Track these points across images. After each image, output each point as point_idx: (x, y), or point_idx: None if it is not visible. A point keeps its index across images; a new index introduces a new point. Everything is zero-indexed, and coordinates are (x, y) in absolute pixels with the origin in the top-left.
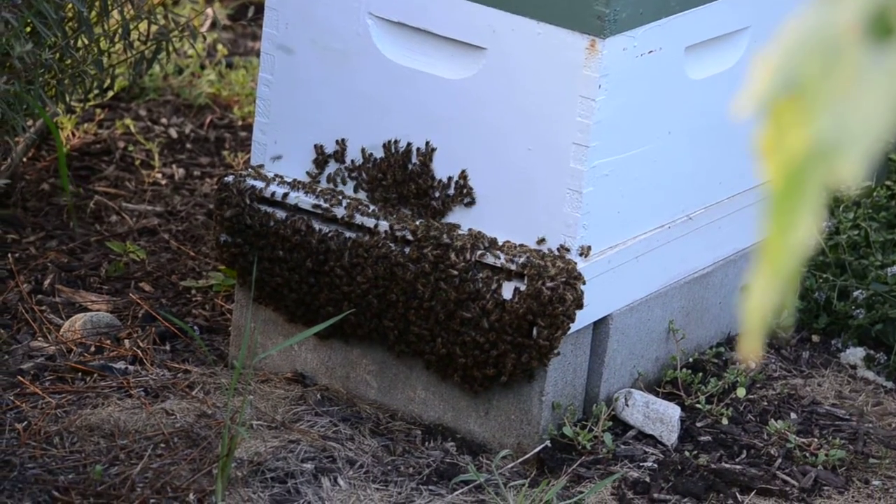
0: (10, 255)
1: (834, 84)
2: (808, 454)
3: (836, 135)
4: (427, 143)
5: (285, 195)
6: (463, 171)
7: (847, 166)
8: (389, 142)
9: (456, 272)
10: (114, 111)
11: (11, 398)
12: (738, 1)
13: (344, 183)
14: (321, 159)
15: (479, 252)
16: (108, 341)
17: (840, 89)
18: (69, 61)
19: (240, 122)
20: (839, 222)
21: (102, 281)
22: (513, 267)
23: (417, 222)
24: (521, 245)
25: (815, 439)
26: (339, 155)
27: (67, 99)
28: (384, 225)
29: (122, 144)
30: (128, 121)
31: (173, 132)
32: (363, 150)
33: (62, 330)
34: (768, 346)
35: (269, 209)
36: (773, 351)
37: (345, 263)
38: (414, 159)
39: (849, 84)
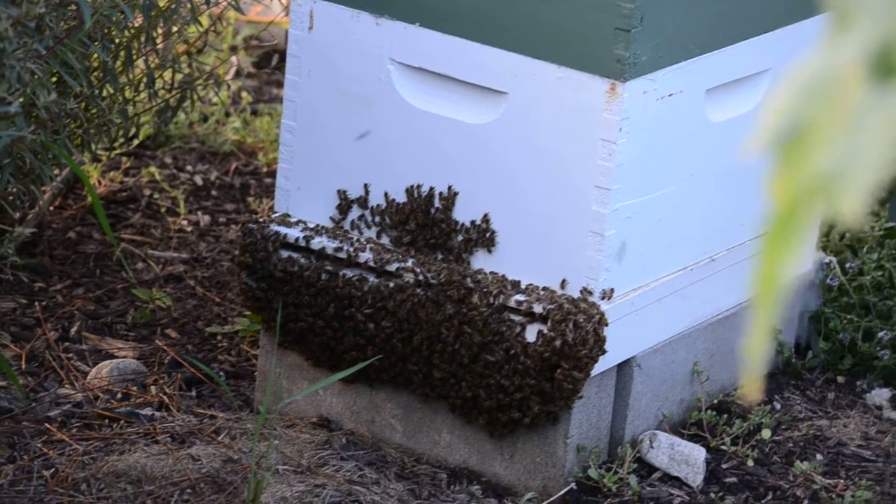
0: (37, 303)
1: (835, 123)
2: (834, 495)
3: (835, 170)
4: (449, 188)
5: (309, 240)
6: (485, 215)
7: (847, 200)
8: (412, 186)
9: (479, 316)
10: (139, 159)
11: (39, 445)
12: (757, 43)
13: (367, 228)
14: (344, 204)
15: (502, 295)
16: (135, 388)
17: (840, 128)
18: (95, 110)
19: (265, 169)
20: (863, 263)
21: (129, 328)
22: (536, 310)
23: (441, 266)
24: (543, 288)
25: (842, 480)
26: (363, 200)
27: (93, 148)
28: (408, 269)
29: (147, 192)
30: (153, 169)
31: (198, 179)
32: (386, 195)
33: (89, 377)
34: (793, 387)
35: (294, 254)
36: (798, 392)
37: (368, 308)
38: (436, 204)
39: (849, 123)
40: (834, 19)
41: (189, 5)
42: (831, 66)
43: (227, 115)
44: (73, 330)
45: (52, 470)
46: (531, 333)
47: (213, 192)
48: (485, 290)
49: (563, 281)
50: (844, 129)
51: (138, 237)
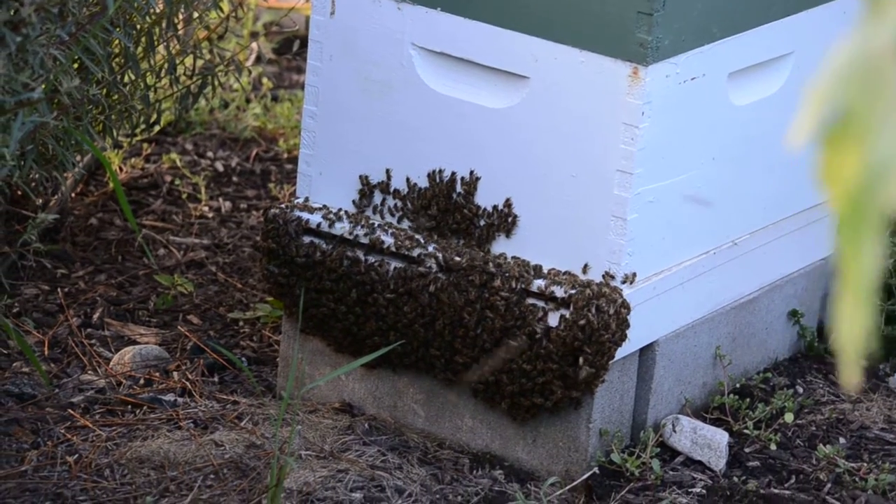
0: (59, 289)
1: (878, 107)
2: (857, 479)
3: (886, 157)
4: (471, 173)
5: (331, 226)
6: (507, 200)
7: None
8: (434, 171)
9: (502, 300)
10: (160, 145)
11: (62, 431)
12: (780, 27)
13: (390, 213)
14: (366, 190)
15: (524, 280)
16: (157, 374)
17: (884, 112)
18: (116, 97)
19: (285, 155)
20: (885, 246)
21: (151, 314)
22: (558, 294)
23: (462, 251)
24: (565, 272)
25: (865, 464)
26: (384, 185)
27: (115, 134)
28: (429, 254)
29: (168, 178)
30: (174, 155)
31: (219, 165)
32: (408, 180)
33: (112, 363)
34: (816, 370)
35: (315, 240)
36: (820, 376)
37: (390, 293)
38: (458, 188)
39: (892, 106)
40: (869, 3)
41: None
42: (869, 51)
43: (248, 101)
44: (96, 316)
45: (76, 456)
46: (553, 318)
47: (234, 179)
48: (507, 274)
49: (586, 265)
50: (888, 112)
51: (160, 223)
